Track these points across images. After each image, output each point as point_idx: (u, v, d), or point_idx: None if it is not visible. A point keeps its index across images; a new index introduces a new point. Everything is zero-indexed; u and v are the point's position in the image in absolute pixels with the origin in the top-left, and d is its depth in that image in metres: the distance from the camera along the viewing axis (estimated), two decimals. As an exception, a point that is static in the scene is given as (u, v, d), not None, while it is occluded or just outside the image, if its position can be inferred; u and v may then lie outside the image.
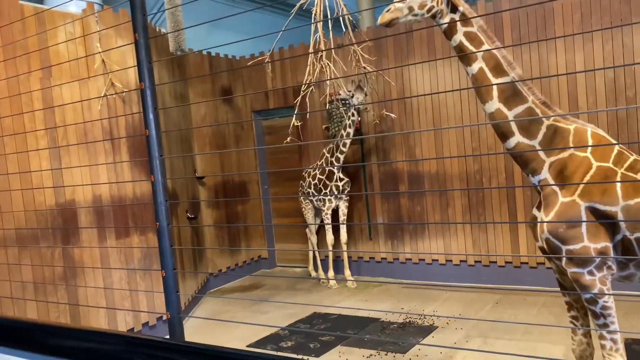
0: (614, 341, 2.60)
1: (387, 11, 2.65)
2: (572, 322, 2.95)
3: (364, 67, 6.12)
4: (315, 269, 7.51)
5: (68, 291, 4.74)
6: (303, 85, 5.81)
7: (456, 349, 4.56)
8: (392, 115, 6.65)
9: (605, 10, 5.55)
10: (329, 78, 5.84)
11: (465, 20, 2.70)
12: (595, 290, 2.55)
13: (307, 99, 5.84)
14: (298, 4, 5.62)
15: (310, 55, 5.75)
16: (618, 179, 2.51)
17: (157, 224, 2.36)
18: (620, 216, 2.49)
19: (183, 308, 5.84)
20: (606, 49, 5.60)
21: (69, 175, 4.79)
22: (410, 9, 2.63)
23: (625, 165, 2.57)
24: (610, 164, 2.56)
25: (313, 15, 5.47)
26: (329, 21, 5.70)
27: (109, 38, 5.11)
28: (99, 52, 4.88)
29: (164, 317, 5.01)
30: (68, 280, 4.74)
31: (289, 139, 5.92)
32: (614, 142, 2.60)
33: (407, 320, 5.43)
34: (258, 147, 8.16)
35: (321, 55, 5.59)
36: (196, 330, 5.69)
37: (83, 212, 4.88)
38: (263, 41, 6.44)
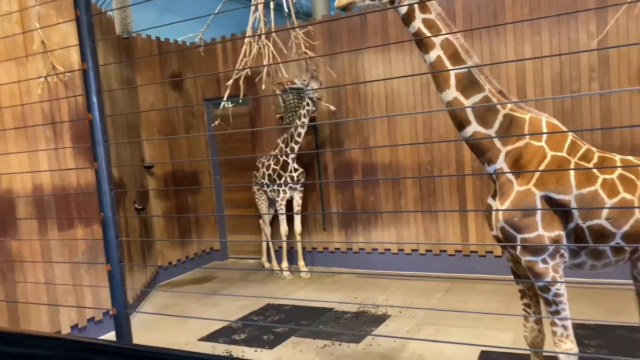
0: (565, 327, 2.66)
1: (345, -6, 2.58)
2: (525, 309, 3.00)
3: (305, 53, 6.02)
4: (269, 260, 7.42)
5: (5, 287, 4.45)
6: (239, 64, 5.67)
7: (409, 338, 4.59)
8: (332, 107, 6.59)
9: (553, 4, 5.69)
10: (272, 63, 5.72)
11: (423, 6, 2.66)
12: (549, 278, 2.59)
13: (240, 84, 5.72)
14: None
15: (247, 37, 5.62)
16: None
17: (102, 214, 2.21)
18: (573, 205, 2.53)
19: (131, 303, 5.62)
20: (553, 42, 5.76)
21: (5, 163, 4.48)
22: (369, -7, 2.57)
23: (579, 154, 2.62)
24: (564, 154, 2.60)
25: None
26: (270, 4, 5.56)
27: (49, 18, 4.80)
28: (37, 29, 4.56)
29: (111, 313, 4.80)
30: (5, 275, 4.45)
31: (217, 122, 5.83)
32: (567, 130, 2.63)
33: (361, 309, 5.44)
34: (209, 133, 7.93)
35: (259, 36, 5.46)
36: (145, 326, 5.49)
37: (22, 202, 4.58)
38: (218, 27, 6.25)
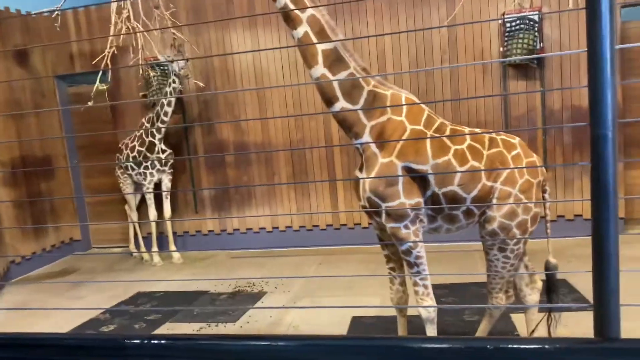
0: (425, 287, 2.92)
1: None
2: (390, 272, 3.23)
3: (173, 34, 5.80)
4: (137, 247, 7.07)
5: None
6: (108, 46, 5.30)
7: (287, 309, 4.71)
8: (201, 84, 6.47)
9: (409, -10, 6.08)
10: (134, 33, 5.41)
11: (289, -17, 2.68)
12: (410, 242, 2.81)
13: (108, 63, 5.36)
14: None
15: (113, 15, 5.25)
16: (428, 140, 2.78)
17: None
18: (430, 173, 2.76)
19: (-23, 303, 5.02)
20: (409, 24, 6.16)
21: None
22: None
23: (434, 127, 2.85)
24: (421, 127, 2.82)
25: None
26: None
27: None
28: None
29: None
30: None
31: (90, 102, 5.42)
32: (423, 104, 2.86)
33: (237, 289, 5.44)
34: (62, 108, 7.25)
35: (127, 17, 5.14)
36: (0, 324, 4.95)
37: None
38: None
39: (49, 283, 6.37)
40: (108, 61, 5.41)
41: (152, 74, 6.45)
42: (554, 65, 5.88)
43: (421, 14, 6.13)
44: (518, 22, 5.58)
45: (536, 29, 5.59)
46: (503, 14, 5.76)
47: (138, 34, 5.40)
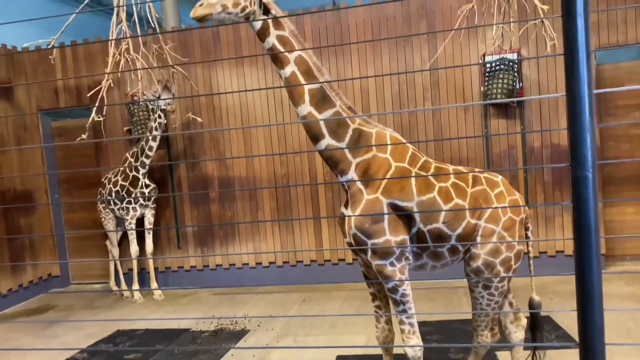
0: (411, 325, 2.90)
1: (200, 5, 2.56)
2: (376, 310, 3.21)
3: (173, 68, 5.88)
4: (117, 283, 6.92)
5: None
6: (106, 78, 5.32)
7: (270, 349, 4.62)
8: (199, 119, 6.52)
9: (392, 30, 6.24)
10: (135, 70, 5.45)
11: (277, 23, 2.75)
12: (396, 280, 2.81)
13: (104, 95, 5.37)
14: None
15: (111, 48, 5.30)
16: (413, 177, 2.82)
17: None
18: (415, 211, 2.79)
19: (-51, 343, 4.84)
20: (392, 65, 6.30)
21: None
22: (224, 6, 2.59)
23: (418, 165, 2.90)
24: (406, 164, 2.86)
25: (115, 5, 5.06)
26: (133, 15, 5.32)
27: None
28: None
29: None
30: None
31: (84, 135, 5.40)
32: (408, 143, 2.91)
33: (219, 327, 5.33)
34: (45, 145, 7.19)
35: (127, 49, 5.19)
36: (-33, 368, 4.77)
37: None
38: (52, 32, 5.75)
39: (23, 323, 6.19)
40: (104, 94, 5.43)
41: (138, 109, 6.47)
42: (533, 104, 6.05)
43: (404, 55, 6.28)
44: (498, 63, 5.76)
45: (515, 69, 5.77)
46: (483, 55, 5.94)
47: (138, 65, 5.43)
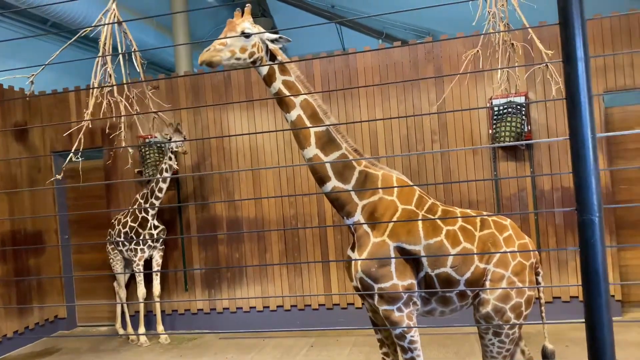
0: (419, 372, 2.81)
1: (207, 50, 2.62)
2: (384, 358, 3.12)
3: (157, 114, 6.00)
4: (124, 326, 6.84)
5: None
6: (87, 116, 5.43)
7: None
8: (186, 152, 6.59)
9: (399, 74, 6.34)
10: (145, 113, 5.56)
11: (283, 69, 2.81)
12: (403, 327, 2.74)
13: (81, 138, 5.48)
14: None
15: (93, 92, 5.43)
16: (420, 220, 2.79)
17: None
18: (422, 255, 2.75)
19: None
20: (400, 107, 6.37)
21: None
22: (232, 52, 2.65)
23: (425, 208, 2.87)
24: (412, 207, 2.84)
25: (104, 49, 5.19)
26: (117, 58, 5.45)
27: None
28: None
29: None
30: None
31: (60, 175, 5.49)
32: (415, 185, 2.90)
33: (225, 372, 5.21)
34: (57, 187, 7.27)
35: (109, 91, 5.32)
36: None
37: None
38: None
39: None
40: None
41: (149, 151, 6.56)
42: (542, 147, 6.04)
43: (412, 97, 6.35)
44: (506, 106, 5.79)
45: (523, 112, 5.79)
46: (491, 99, 5.98)
47: (128, 111, 5.55)
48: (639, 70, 5.87)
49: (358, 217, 2.84)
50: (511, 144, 3.64)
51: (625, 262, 6.07)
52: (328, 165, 2.82)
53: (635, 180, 6.06)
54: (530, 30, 4.83)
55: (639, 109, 6.14)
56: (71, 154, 5.20)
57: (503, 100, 5.82)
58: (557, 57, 5.50)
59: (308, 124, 2.81)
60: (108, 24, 4.94)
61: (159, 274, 6.60)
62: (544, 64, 4.64)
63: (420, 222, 2.80)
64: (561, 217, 6.03)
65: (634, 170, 6.08)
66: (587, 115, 1.40)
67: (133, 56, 5.44)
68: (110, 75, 5.24)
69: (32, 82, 4.88)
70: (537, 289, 3.01)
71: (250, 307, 6.83)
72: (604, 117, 5.99)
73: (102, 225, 7.04)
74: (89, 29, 5.05)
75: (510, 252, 2.80)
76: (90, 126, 5.74)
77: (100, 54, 5.13)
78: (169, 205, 6.86)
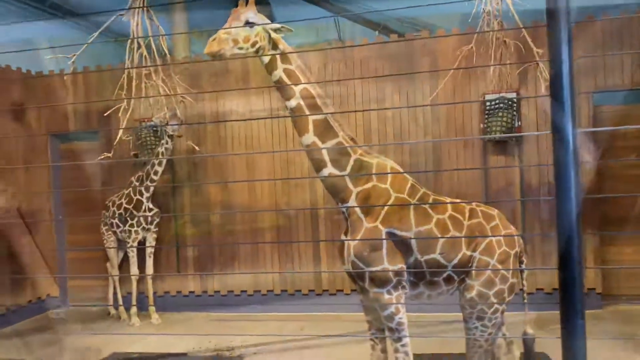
0: (406, 353, 2.96)
1: (213, 40, 2.71)
2: (372, 339, 3.26)
3: (182, 97, 6.07)
4: (116, 306, 6.93)
5: None
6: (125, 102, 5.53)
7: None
8: (196, 147, 6.64)
9: (394, 68, 6.45)
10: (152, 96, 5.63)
11: (285, 58, 2.90)
12: (392, 309, 2.88)
13: (120, 116, 5.57)
14: (109, 22, 5.36)
15: (126, 73, 5.53)
16: (412, 208, 2.92)
17: None
18: (413, 241, 2.88)
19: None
20: (394, 99, 6.48)
21: None
22: (235, 41, 2.74)
23: (417, 196, 3.00)
24: (405, 195, 2.97)
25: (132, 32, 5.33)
26: (145, 43, 5.53)
27: None
28: None
29: None
30: None
31: (110, 154, 5.61)
32: (407, 173, 3.02)
33: (216, 353, 5.34)
34: (52, 164, 7.31)
35: (148, 73, 5.42)
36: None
37: None
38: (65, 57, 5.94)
39: (19, 343, 6.19)
40: (120, 115, 5.65)
41: (145, 134, 6.61)
42: (531, 142, 6.18)
43: (406, 89, 6.46)
44: (497, 101, 5.91)
45: (514, 108, 5.92)
46: (484, 94, 6.10)
47: (157, 90, 5.66)
48: (628, 71, 6.01)
49: (352, 203, 2.96)
50: (500, 136, 3.77)
51: (609, 257, 6.25)
52: (325, 152, 2.93)
53: (622, 177, 6.23)
54: (523, 30, 4.95)
55: (629, 109, 6.30)
56: (120, 135, 5.38)
57: (495, 96, 5.94)
58: (547, 56, 5.62)
59: (307, 111, 2.91)
60: (137, 7, 5.13)
61: (152, 255, 6.69)
62: (534, 62, 4.77)
63: (411, 210, 2.93)
64: (547, 212, 6.19)
65: (620, 169, 6.24)
66: (569, 113, 1.52)
67: (155, 41, 5.60)
68: (145, 57, 5.38)
69: (73, 62, 5.04)
70: (519, 276, 3.16)
71: (242, 291, 6.95)
72: (592, 115, 6.13)
73: (96, 207, 7.10)
74: (121, 12, 5.16)
75: (495, 237, 2.94)
76: (126, 106, 5.81)
77: (131, 36, 5.33)
78: (163, 185, 6.91)
